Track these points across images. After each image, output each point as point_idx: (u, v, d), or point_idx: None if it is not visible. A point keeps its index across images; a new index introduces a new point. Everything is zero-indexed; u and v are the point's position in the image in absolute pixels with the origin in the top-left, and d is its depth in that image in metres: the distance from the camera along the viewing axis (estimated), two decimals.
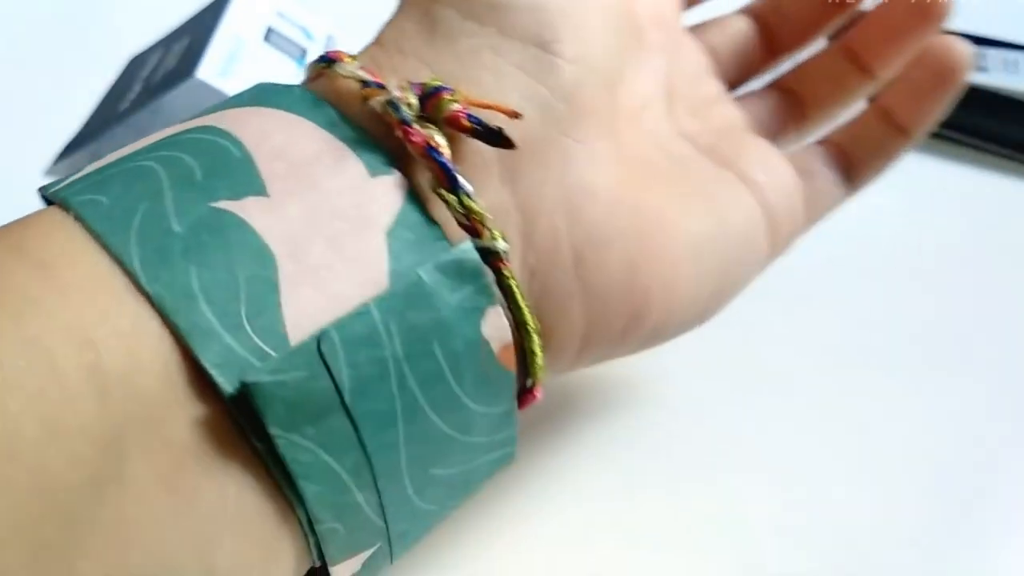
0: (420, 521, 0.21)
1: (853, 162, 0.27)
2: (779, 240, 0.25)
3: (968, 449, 0.30)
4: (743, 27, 0.28)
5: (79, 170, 0.19)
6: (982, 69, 0.42)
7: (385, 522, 0.20)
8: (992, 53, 0.43)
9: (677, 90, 0.26)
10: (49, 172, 0.38)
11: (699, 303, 0.23)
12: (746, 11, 0.29)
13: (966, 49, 0.25)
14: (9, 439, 0.14)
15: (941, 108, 0.26)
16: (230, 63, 0.35)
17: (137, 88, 0.37)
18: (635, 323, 0.22)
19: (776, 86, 0.29)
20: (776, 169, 0.25)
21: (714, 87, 0.27)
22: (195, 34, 0.37)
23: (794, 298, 0.34)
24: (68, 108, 0.39)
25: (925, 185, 0.39)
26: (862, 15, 0.28)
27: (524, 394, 0.22)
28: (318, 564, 0.20)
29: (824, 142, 0.28)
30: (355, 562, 0.20)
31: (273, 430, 0.17)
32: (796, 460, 0.30)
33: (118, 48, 0.42)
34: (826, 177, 0.27)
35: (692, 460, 0.30)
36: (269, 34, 0.37)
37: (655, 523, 0.28)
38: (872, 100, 0.27)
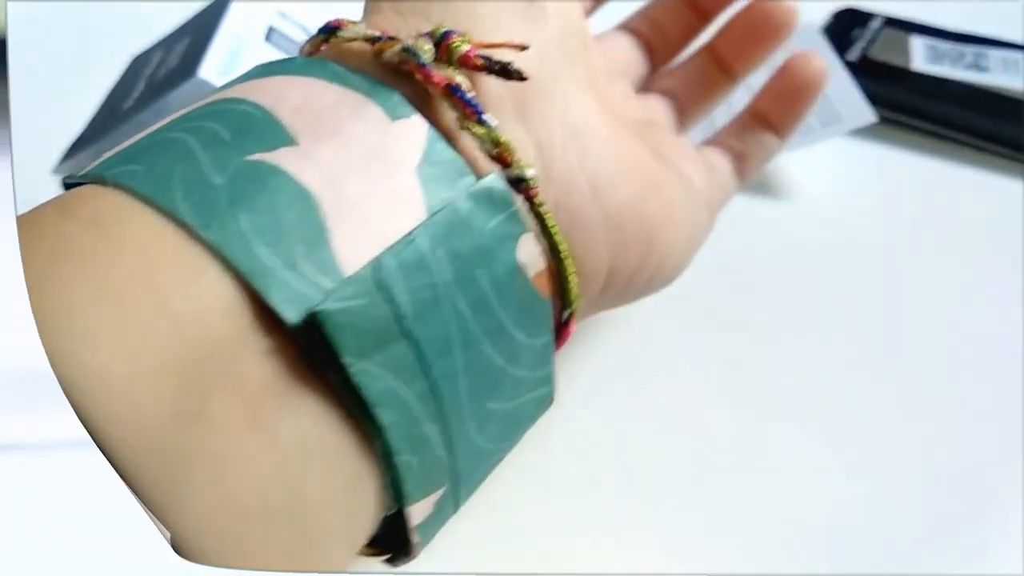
0: (479, 461, 0.21)
1: (741, 159, 0.30)
2: (708, 221, 0.28)
3: (964, 442, 0.30)
4: (629, 41, 0.31)
5: (85, 168, 0.19)
6: (982, 69, 0.42)
7: (451, 458, 0.20)
8: (992, 53, 0.43)
9: (598, 86, 0.27)
10: (55, 171, 0.38)
11: (686, 245, 0.25)
12: (624, 28, 0.32)
13: (820, 64, 0.29)
14: (103, 378, 0.15)
15: (805, 112, 0.30)
16: (232, 62, 0.35)
17: (141, 87, 0.37)
18: (647, 255, 0.24)
19: (652, 90, 0.31)
20: (694, 160, 0.28)
21: (623, 87, 0.29)
22: (196, 33, 0.37)
23: (799, 295, 0.34)
24: (72, 107, 0.40)
25: (926, 184, 0.39)
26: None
27: (559, 330, 0.23)
28: (393, 509, 0.20)
29: (714, 143, 0.31)
30: (427, 504, 0.20)
31: (346, 358, 0.17)
32: (793, 458, 0.30)
33: (121, 47, 0.42)
34: (724, 171, 0.30)
35: (689, 460, 0.30)
36: (270, 33, 0.37)
37: (651, 523, 0.28)
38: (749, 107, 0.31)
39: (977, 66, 0.42)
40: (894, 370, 0.32)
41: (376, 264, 0.18)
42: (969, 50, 0.43)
